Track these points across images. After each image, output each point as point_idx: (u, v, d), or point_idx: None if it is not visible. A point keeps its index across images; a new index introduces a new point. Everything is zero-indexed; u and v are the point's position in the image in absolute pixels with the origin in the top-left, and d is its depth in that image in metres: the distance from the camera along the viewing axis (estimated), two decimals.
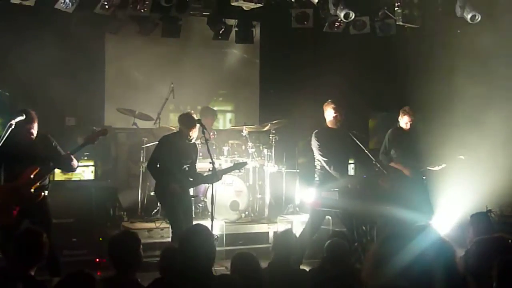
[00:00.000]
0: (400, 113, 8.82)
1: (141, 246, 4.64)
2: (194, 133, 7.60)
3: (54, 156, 6.55)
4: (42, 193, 6.55)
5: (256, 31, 11.58)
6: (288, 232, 5.77)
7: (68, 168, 6.78)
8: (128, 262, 4.50)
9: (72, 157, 6.51)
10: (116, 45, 10.88)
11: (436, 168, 8.96)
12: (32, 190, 6.46)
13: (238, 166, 8.54)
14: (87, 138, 6.66)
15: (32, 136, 6.54)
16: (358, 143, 7.64)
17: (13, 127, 6.22)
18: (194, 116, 7.68)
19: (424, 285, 3.04)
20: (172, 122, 10.60)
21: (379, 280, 2.99)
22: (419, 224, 3.22)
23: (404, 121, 8.75)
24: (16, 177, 6.44)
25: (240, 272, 4.44)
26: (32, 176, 6.44)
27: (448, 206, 9.01)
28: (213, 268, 4.39)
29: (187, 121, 7.60)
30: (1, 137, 6.11)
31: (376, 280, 3.01)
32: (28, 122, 6.47)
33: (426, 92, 10.17)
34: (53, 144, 6.69)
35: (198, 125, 7.51)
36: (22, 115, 6.38)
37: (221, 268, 7.11)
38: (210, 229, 6.89)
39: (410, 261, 3.00)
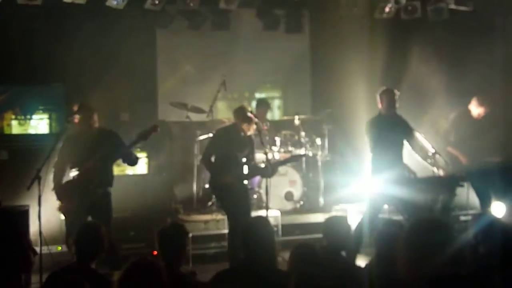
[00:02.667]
0: (475, 101, 8.59)
1: (189, 238, 4.68)
2: (249, 127, 7.57)
3: (118, 151, 6.69)
4: (102, 189, 6.70)
5: (305, 21, 11.51)
6: (339, 218, 5.59)
7: (130, 162, 6.94)
8: (175, 255, 4.54)
9: (132, 151, 6.66)
10: (166, 39, 10.96)
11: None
12: (92, 186, 6.63)
13: (295, 158, 8.56)
14: (139, 135, 6.75)
15: (93, 129, 6.72)
16: (414, 129, 7.50)
17: (72, 121, 6.40)
18: (249, 111, 7.66)
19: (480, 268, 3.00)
20: (221, 112, 10.66)
21: (424, 270, 2.96)
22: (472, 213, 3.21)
23: (477, 111, 8.54)
24: (80, 171, 6.64)
25: (301, 264, 4.38)
26: (92, 171, 6.61)
27: None
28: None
29: (242, 115, 7.59)
30: (61, 132, 6.30)
31: (421, 270, 2.98)
32: (88, 115, 6.65)
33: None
34: (117, 138, 6.84)
35: (252, 121, 7.49)
36: (80, 109, 6.56)
37: (278, 259, 7.10)
38: None
39: (460, 248, 2.98)
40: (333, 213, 9.23)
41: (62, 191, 6.76)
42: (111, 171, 6.95)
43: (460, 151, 8.48)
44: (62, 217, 7.08)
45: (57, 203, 6.75)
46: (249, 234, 4.36)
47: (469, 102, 8.92)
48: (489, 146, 8.67)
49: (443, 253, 3.02)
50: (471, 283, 3.02)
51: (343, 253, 5.33)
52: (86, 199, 6.66)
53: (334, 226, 5.33)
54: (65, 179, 6.86)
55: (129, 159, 6.88)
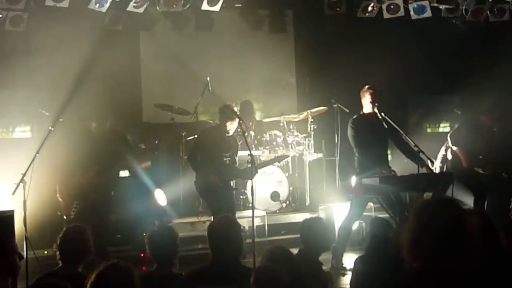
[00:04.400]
0: (489, 116, 8.66)
1: (177, 239, 4.74)
2: (233, 126, 7.63)
3: (119, 156, 6.75)
4: (100, 192, 6.75)
5: (289, 20, 11.53)
6: (315, 220, 5.59)
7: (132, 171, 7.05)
8: (166, 256, 4.61)
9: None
10: (150, 42, 10.94)
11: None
12: (91, 189, 6.69)
13: (278, 159, 8.61)
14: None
15: (100, 135, 6.74)
16: (396, 127, 7.53)
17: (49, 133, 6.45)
18: (234, 108, 7.72)
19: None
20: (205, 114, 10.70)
21: (423, 254, 2.94)
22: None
23: (491, 126, 8.62)
24: (83, 173, 6.69)
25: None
26: (90, 176, 6.65)
27: None
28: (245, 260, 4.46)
29: (227, 112, 7.63)
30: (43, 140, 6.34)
31: (421, 261, 2.96)
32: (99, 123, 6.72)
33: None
34: (122, 144, 6.90)
35: (237, 118, 7.53)
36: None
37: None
38: (251, 220, 7.00)
39: (454, 240, 2.94)
40: (320, 212, 9.28)
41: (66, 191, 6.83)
42: (115, 175, 7.01)
43: (465, 155, 8.50)
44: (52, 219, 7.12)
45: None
46: (213, 235, 4.44)
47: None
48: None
49: (449, 241, 2.94)
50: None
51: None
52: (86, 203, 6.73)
53: (310, 228, 5.30)
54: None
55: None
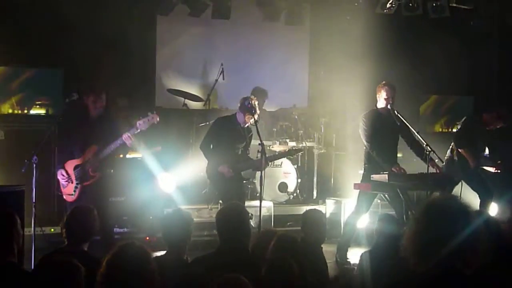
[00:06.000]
0: (492, 114, 8.62)
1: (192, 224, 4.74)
2: (249, 119, 7.64)
3: (114, 136, 6.74)
4: (98, 174, 6.75)
5: (307, 13, 11.50)
6: (315, 212, 5.73)
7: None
8: (179, 241, 4.59)
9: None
10: (167, 27, 10.94)
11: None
12: (91, 169, 6.70)
13: (291, 152, 8.65)
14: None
15: (98, 110, 6.76)
16: (409, 125, 7.53)
17: (68, 105, 6.45)
18: (255, 102, 7.70)
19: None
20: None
21: (430, 261, 2.94)
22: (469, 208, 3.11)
23: (494, 124, 8.59)
24: (81, 154, 6.70)
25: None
26: (90, 155, 6.67)
27: None
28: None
29: (246, 105, 7.64)
30: (59, 116, 6.36)
31: (427, 262, 2.96)
32: (92, 94, 6.71)
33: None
34: (116, 125, 6.88)
35: (255, 115, 7.55)
36: (74, 94, 6.61)
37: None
38: (258, 210, 7.03)
39: (461, 241, 2.93)
40: (327, 206, 9.30)
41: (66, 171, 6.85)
42: (112, 154, 6.99)
43: (472, 156, 8.49)
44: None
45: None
46: (222, 221, 4.44)
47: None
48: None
49: (456, 242, 2.92)
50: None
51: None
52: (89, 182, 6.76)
53: (310, 219, 5.52)
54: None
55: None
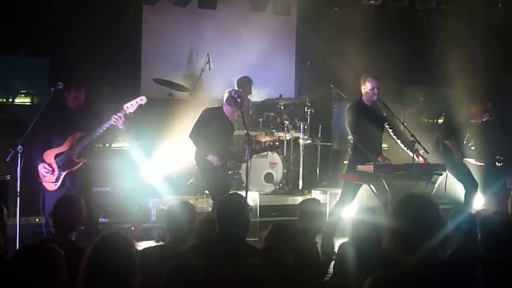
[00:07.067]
0: (480, 107, 8.72)
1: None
2: (234, 112, 7.71)
3: (97, 124, 6.70)
4: (83, 160, 6.72)
5: (293, 3, 11.49)
6: (313, 201, 5.75)
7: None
8: (182, 232, 4.62)
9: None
10: (153, 16, 10.89)
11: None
12: (75, 156, 6.67)
13: (271, 148, 8.73)
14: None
15: (78, 103, 6.73)
16: (395, 116, 7.58)
17: (52, 95, 6.42)
18: (242, 96, 7.78)
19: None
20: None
21: (414, 255, 2.96)
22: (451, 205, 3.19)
23: (480, 117, 8.70)
24: (63, 142, 6.67)
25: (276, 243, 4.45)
26: (75, 142, 6.64)
27: None
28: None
29: (232, 98, 7.69)
30: (43, 104, 6.31)
31: (411, 255, 2.98)
32: (73, 89, 6.67)
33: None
34: (99, 113, 6.84)
35: (240, 108, 7.59)
36: (60, 84, 6.57)
37: (254, 239, 7.16)
38: None
39: (445, 235, 2.97)
40: (312, 196, 9.32)
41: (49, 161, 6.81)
42: (93, 143, 6.95)
43: (455, 147, 8.59)
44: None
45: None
46: (223, 209, 4.43)
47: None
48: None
49: (431, 234, 2.97)
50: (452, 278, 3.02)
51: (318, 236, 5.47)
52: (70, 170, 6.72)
53: (308, 208, 5.50)
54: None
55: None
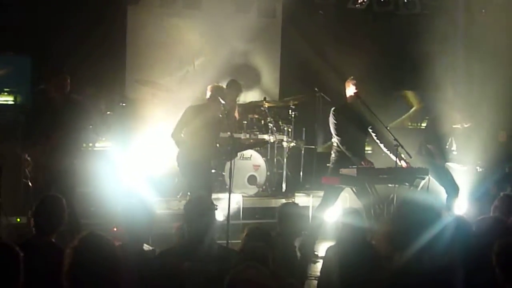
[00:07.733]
0: (462, 112, 8.85)
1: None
2: (218, 107, 7.66)
3: (84, 124, 6.67)
4: (66, 160, 6.68)
5: (278, 6, 11.50)
6: (292, 205, 5.74)
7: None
8: (141, 231, 4.55)
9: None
10: (137, 17, 10.84)
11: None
12: (58, 155, 6.62)
13: (257, 144, 8.66)
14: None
15: (61, 102, 6.69)
16: (379, 119, 7.61)
17: (39, 92, 6.39)
18: (223, 91, 7.80)
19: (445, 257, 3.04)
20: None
21: (402, 255, 2.98)
22: (436, 206, 3.19)
23: (459, 120, 8.81)
24: (47, 141, 6.62)
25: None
26: (58, 141, 6.60)
27: None
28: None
29: (215, 94, 7.67)
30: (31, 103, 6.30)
31: (400, 255, 3.00)
32: (58, 88, 6.63)
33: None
34: (85, 112, 6.81)
35: (222, 103, 7.56)
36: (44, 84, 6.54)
37: (238, 241, 7.15)
38: (228, 202, 7.01)
39: (431, 239, 2.99)
40: (296, 199, 9.32)
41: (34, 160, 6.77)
42: (78, 142, 6.91)
43: (437, 151, 8.65)
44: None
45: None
46: (189, 213, 4.47)
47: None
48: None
49: (423, 237, 3.00)
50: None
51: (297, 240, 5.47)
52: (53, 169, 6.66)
53: (286, 212, 5.47)
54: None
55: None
